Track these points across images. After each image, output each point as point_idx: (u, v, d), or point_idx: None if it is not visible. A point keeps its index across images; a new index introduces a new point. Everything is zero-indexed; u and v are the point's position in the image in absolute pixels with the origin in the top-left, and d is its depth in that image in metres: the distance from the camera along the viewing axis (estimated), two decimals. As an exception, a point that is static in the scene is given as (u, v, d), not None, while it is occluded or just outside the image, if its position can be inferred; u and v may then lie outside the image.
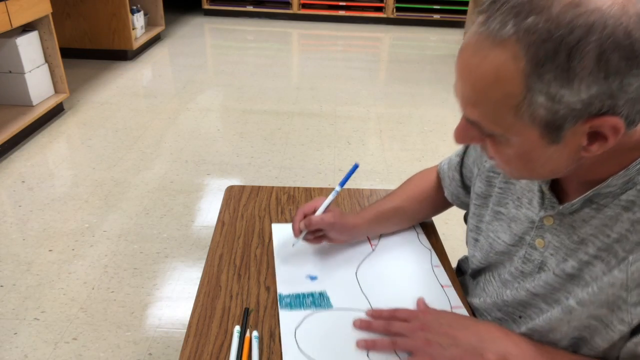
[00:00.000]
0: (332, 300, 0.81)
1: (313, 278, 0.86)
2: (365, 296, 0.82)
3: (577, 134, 0.52)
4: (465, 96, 0.55)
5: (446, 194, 0.94)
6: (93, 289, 1.72)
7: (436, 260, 0.91)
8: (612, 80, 0.47)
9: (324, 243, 0.92)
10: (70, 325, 1.57)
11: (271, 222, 1.00)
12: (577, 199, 0.61)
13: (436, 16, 5.40)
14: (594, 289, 0.59)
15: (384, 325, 0.73)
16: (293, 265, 0.89)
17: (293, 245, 0.90)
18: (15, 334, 1.54)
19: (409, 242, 0.96)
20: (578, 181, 0.62)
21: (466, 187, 0.89)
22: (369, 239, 0.96)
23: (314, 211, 0.88)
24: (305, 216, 0.87)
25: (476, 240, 0.82)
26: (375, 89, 3.61)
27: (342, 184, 0.90)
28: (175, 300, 1.69)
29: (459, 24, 5.34)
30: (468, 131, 0.58)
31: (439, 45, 4.83)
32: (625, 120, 0.50)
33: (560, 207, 0.63)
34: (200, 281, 0.85)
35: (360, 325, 0.75)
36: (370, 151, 2.71)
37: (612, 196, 0.58)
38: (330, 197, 0.89)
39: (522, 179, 0.67)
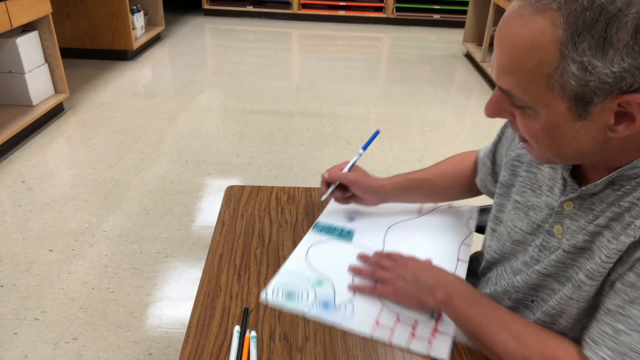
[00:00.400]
0: (355, 238, 0.94)
1: (352, 219, 0.99)
2: (384, 245, 0.93)
3: (604, 111, 0.52)
4: (500, 64, 0.56)
5: (477, 179, 0.95)
6: (93, 289, 1.72)
7: (470, 240, 0.95)
8: None
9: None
10: (70, 325, 1.57)
11: (271, 222, 1.00)
12: (600, 180, 0.61)
13: (436, 16, 5.41)
14: (602, 258, 0.59)
15: (370, 272, 0.84)
16: (339, 209, 1.02)
17: (322, 200, 0.97)
18: (15, 334, 1.54)
19: (456, 222, 1.00)
20: (604, 168, 0.62)
21: (495, 176, 0.90)
22: (421, 209, 1.03)
23: (340, 170, 0.95)
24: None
25: (494, 230, 0.83)
26: (375, 89, 3.61)
27: (365, 147, 0.98)
28: (175, 300, 1.69)
29: (459, 24, 5.34)
30: (499, 103, 0.59)
31: (439, 45, 4.84)
32: None
33: (584, 187, 0.64)
34: (200, 281, 0.85)
35: (353, 270, 0.86)
36: (370, 151, 2.71)
37: (635, 177, 0.58)
38: (355, 158, 0.97)
39: (548, 162, 0.67)
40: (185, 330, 0.75)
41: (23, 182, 2.31)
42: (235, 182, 2.39)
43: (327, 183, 0.96)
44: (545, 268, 0.68)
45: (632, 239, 0.56)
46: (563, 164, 0.67)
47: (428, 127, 3.03)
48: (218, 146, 2.70)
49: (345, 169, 0.95)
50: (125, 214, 2.11)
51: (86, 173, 2.40)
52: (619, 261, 0.58)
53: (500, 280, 0.79)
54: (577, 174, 0.67)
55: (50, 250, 1.89)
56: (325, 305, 0.80)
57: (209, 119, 3.03)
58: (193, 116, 3.05)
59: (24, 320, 1.59)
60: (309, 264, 0.87)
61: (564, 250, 0.65)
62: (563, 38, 0.49)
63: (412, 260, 0.82)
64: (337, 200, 0.98)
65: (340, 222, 0.99)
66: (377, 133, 0.98)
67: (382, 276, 0.81)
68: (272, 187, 1.11)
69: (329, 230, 0.96)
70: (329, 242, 0.93)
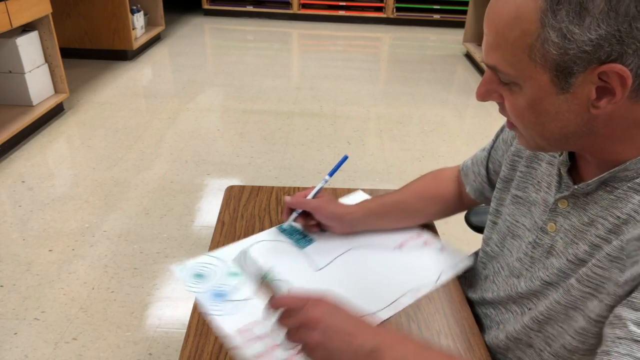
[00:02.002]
0: (309, 247, 0.90)
1: (280, 227, 0.95)
2: (331, 261, 0.87)
3: (586, 84, 0.53)
4: (488, 42, 0.58)
5: (468, 190, 0.93)
6: (93, 289, 1.72)
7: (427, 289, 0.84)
8: (622, 21, 0.49)
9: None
10: (70, 325, 1.57)
11: (271, 222, 1.00)
12: (593, 180, 0.62)
13: (436, 16, 5.41)
14: (593, 262, 0.60)
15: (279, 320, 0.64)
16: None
17: (284, 228, 0.94)
18: (15, 334, 1.54)
19: (434, 264, 0.89)
20: (596, 163, 0.63)
21: (491, 182, 0.89)
22: (401, 245, 0.92)
23: (304, 197, 0.91)
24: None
25: (494, 223, 0.83)
26: (375, 89, 3.61)
27: (332, 173, 0.92)
28: (175, 300, 1.69)
29: (459, 24, 5.34)
30: (489, 85, 0.61)
31: (439, 45, 4.83)
32: (634, 76, 0.51)
33: (576, 186, 0.64)
34: (200, 281, 0.85)
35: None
36: (370, 151, 2.71)
37: (627, 179, 0.59)
38: (321, 184, 0.92)
39: (538, 148, 0.64)
40: (185, 330, 0.75)
41: (23, 182, 2.31)
42: (235, 182, 2.39)
43: (289, 209, 0.91)
44: (548, 276, 0.67)
45: (621, 243, 0.56)
46: (553, 150, 0.67)
47: (428, 127, 3.03)
48: (218, 146, 2.70)
49: (310, 195, 0.90)
50: (125, 214, 2.11)
51: (86, 173, 2.40)
52: (607, 277, 0.57)
53: (497, 277, 0.79)
54: (574, 172, 0.67)
55: (50, 250, 1.89)
56: (219, 295, 0.79)
57: (209, 119, 3.03)
58: (193, 116, 3.05)
59: (24, 320, 1.59)
60: (242, 256, 0.86)
61: (567, 259, 0.65)
62: (543, 7, 0.51)
63: (325, 309, 0.61)
64: (304, 227, 0.93)
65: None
66: (345, 158, 0.90)
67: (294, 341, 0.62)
68: (272, 187, 1.11)
69: (291, 232, 0.93)
70: (281, 243, 0.91)
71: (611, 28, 0.49)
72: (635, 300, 0.52)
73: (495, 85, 0.61)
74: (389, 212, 0.93)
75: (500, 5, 0.56)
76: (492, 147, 0.88)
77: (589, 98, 0.54)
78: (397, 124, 3.05)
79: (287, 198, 0.91)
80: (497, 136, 0.87)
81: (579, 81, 0.53)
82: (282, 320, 0.62)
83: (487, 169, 0.89)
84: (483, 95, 0.63)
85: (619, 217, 0.59)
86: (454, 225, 1.92)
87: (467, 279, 0.89)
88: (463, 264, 0.89)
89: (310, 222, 0.91)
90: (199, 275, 0.84)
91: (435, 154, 2.70)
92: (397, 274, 0.85)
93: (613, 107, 0.54)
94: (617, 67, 0.51)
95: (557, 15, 0.51)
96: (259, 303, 0.74)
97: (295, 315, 0.60)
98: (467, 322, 0.79)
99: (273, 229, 0.95)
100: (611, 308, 0.57)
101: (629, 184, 0.59)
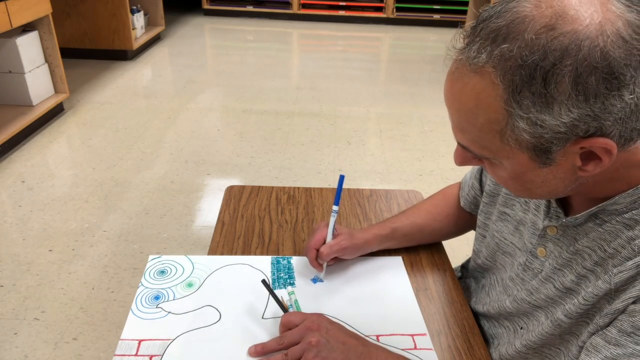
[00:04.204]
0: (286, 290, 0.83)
1: (315, 281, 0.85)
2: (267, 303, 0.80)
3: (568, 155, 0.51)
4: (453, 121, 0.56)
5: (462, 203, 0.91)
6: (93, 289, 1.72)
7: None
8: (594, 102, 0.46)
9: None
10: (70, 325, 1.57)
11: (271, 222, 1.00)
12: (581, 214, 0.60)
13: (436, 16, 5.40)
14: (579, 300, 0.59)
15: (277, 342, 0.69)
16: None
17: (321, 280, 0.86)
18: (15, 334, 1.54)
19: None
20: (584, 197, 0.61)
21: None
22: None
23: (324, 241, 0.84)
24: (317, 251, 0.83)
25: (483, 236, 0.82)
26: (375, 89, 3.61)
27: (337, 202, 0.85)
28: (175, 300, 1.68)
29: (459, 24, 5.34)
30: (464, 154, 0.59)
31: (439, 45, 4.83)
32: (618, 140, 0.49)
33: (565, 219, 0.63)
34: (200, 281, 0.85)
35: (255, 351, 0.70)
36: (370, 151, 2.71)
37: (617, 213, 0.57)
38: (332, 221, 0.85)
39: (526, 198, 0.67)
40: (185, 330, 0.75)
41: (23, 182, 2.31)
42: (235, 182, 2.39)
43: (317, 260, 0.84)
44: (536, 300, 0.67)
45: (608, 285, 0.56)
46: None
47: (428, 127, 3.03)
48: (218, 146, 2.70)
49: (329, 236, 0.84)
50: (125, 214, 2.11)
51: (86, 173, 2.40)
52: (596, 306, 0.58)
53: (492, 290, 0.79)
54: (563, 200, 0.66)
55: (50, 250, 1.89)
56: (156, 297, 0.79)
57: (209, 119, 3.03)
58: (193, 116, 3.05)
59: (24, 320, 1.59)
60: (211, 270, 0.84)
61: (554, 287, 0.64)
62: (504, 96, 0.48)
63: (323, 319, 0.70)
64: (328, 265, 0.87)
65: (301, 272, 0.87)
66: (342, 179, 0.85)
67: (295, 355, 0.66)
68: (272, 187, 1.11)
69: (279, 269, 0.87)
70: (261, 275, 0.85)
71: (583, 110, 0.46)
72: (608, 334, 0.55)
73: (471, 158, 0.59)
74: (405, 235, 0.91)
75: (457, 90, 0.52)
76: None
77: (575, 165, 0.52)
78: (397, 124, 3.05)
79: (311, 252, 0.83)
80: None
81: (561, 154, 0.51)
82: (286, 333, 0.69)
83: (480, 182, 0.87)
84: (461, 163, 0.61)
85: (606, 250, 0.58)
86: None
87: (464, 288, 0.89)
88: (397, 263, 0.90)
89: (330, 262, 0.86)
90: (161, 272, 0.85)
91: (435, 154, 2.70)
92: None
93: (602, 169, 0.51)
94: (599, 141, 0.48)
95: (522, 105, 0.47)
96: (174, 322, 0.75)
97: (298, 326, 0.68)
98: (467, 322, 0.79)
99: (263, 258, 0.88)
100: (591, 335, 0.58)
101: (618, 218, 0.57)
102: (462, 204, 0.91)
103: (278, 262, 0.89)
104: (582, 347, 0.60)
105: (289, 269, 0.87)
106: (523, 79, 0.46)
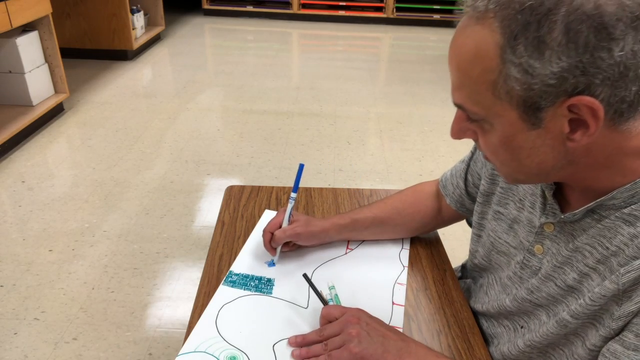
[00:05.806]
0: (275, 289, 0.82)
1: (271, 264, 0.88)
2: (309, 295, 0.81)
3: (557, 118, 0.52)
4: (453, 82, 0.57)
5: (448, 202, 0.91)
6: (93, 289, 1.72)
7: (404, 278, 0.87)
8: (583, 53, 0.47)
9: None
10: (70, 325, 1.57)
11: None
12: (579, 210, 0.60)
13: (436, 16, 5.40)
14: (586, 300, 0.59)
15: (317, 333, 0.71)
16: (259, 249, 0.91)
17: (273, 264, 0.88)
18: (15, 334, 1.54)
19: (386, 255, 0.92)
20: (580, 189, 0.61)
21: (470, 195, 0.88)
22: (348, 243, 0.94)
23: (280, 226, 0.87)
24: (272, 234, 0.86)
25: (479, 236, 0.82)
26: (375, 89, 3.61)
27: (295, 189, 0.87)
28: (175, 300, 1.69)
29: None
30: (460, 123, 0.60)
31: (439, 45, 4.83)
32: (606, 106, 0.49)
33: (562, 216, 0.63)
34: (200, 281, 0.85)
35: (295, 341, 0.72)
36: (370, 151, 2.71)
37: (615, 208, 0.57)
38: (289, 207, 0.87)
39: (519, 182, 0.66)
40: (185, 330, 0.75)
41: (23, 182, 2.31)
42: (235, 182, 2.39)
43: (270, 243, 0.87)
44: (537, 298, 0.67)
45: (615, 286, 0.55)
46: (534, 182, 0.66)
47: (428, 127, 3.03)
48: (218, 146, 2.70)
49: (285, 221, 0.86)
50: (125, 214, 2.11)
51: (86, 173, 2.40)
52: (604, 308, 0.57)
53: (490, 290, 0.79)
54: (559, 195, 0.66)
55: (50, 250, 1.89)
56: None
57: (209, 119, 3.03)
58: (193, 116, 3.05)
59: (24, 320, 1.59)
60: (219, 333, 0.73)
61: (556, 285, 0.64)
62: (501, 42, 0.50)
63: (359, 310, 0.72)
64: (284, 252, 0.90)
65: (258, 270, 0.86)
66: (301, 167, 0.87)
67: (334, 344, 0.68)
68: (272, 187, 1.11)
69: (244, 281, 0.84)
70: (243, 298, 0.80)
71: (572, 60, 0.47)
72: (626, 339, 0.54)
73: (467, 123, 0.59)
74: (365, 227, 0.92)
75: (460, 43, 0.55)
76: (470, 159, 0.87)
77: (563, 132, 0.52)
78: (397, 124, 3.05)
79: (266, 235, 0.86)
80: (475, 148, 0.85)
81: (549, 115, 0.52)
82: (326, 325, 0.71)
83: (465, 181, 0.87)
84: (457, 133, 0.61)
85: (607, 247, 0.58)
86: (454, 226, 1.92)
87: (464, 288, 0.89)
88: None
89: (285, 248, 0.89)
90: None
91: (435, 154, 2.70)
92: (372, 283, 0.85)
93: (590, 139, 0.52)
94: (586, 99, 0.49)
95: (516, 51, 0.49)
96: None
97: (338, 319, 0.70)
98: (467, 322, 0.79)
99: (222, 288, 0.82)
100: (605, 340, 0.57)
101: (616, 214, 0.57)
102: (447, 202, 0.91)
103: (234, 281, 0.85)
104: (590, 349, 0.59)
105: (246, 277, 0.85)
106: (520, 24, 0.49)
